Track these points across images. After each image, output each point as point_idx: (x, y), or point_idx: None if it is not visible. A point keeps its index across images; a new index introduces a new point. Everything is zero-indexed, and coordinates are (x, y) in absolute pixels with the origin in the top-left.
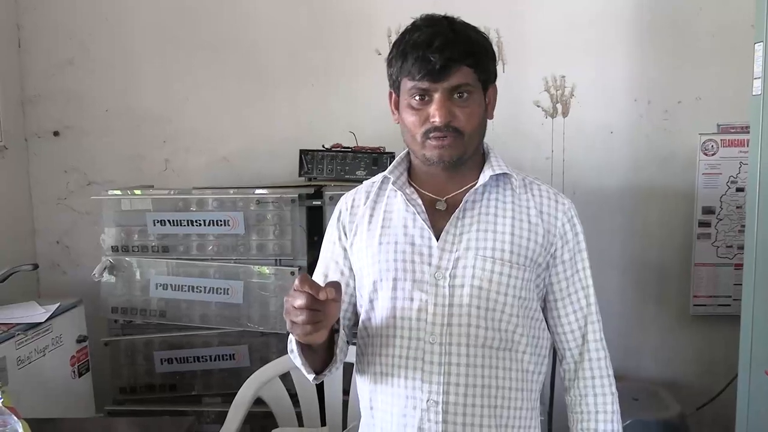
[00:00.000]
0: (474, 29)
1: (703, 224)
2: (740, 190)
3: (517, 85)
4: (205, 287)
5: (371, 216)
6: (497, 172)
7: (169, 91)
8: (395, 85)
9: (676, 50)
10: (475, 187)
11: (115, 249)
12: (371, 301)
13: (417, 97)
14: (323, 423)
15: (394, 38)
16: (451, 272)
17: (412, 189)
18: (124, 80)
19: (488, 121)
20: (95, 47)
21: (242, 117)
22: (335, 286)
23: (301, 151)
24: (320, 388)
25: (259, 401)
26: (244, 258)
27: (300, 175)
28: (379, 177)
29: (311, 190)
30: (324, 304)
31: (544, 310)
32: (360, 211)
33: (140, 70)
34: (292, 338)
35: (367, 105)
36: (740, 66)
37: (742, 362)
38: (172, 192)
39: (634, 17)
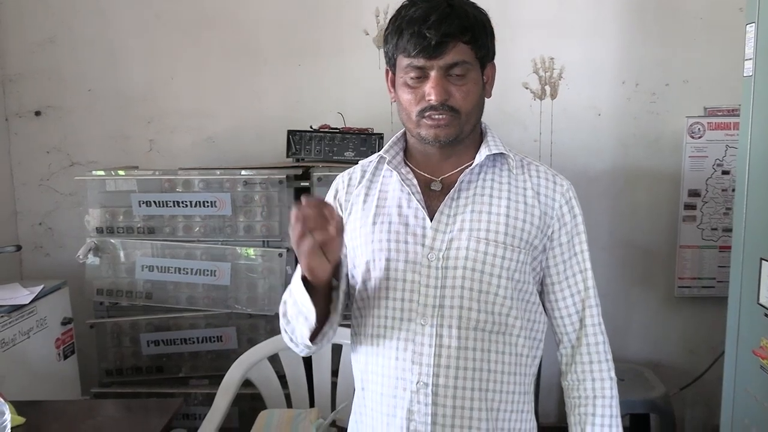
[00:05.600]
0: (472, 5)
1: (689, 207)
2: (726, 173)
3: (505, 66)
4: (191, 269)
5: (366, 195)
6: (494, 151)
7: (153, 70)
8: (391, 63)
9: (665, 33)
10: (471, 167)
11: (99, 230)
12: (364, 282)
13: (413, 75)
14: (312, 404)
15: (382, 18)
16: (444, 253)
17: (408, 169)
18: (108, 59)
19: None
20: (77, 24)
21: (228, 96)
22: (339, 218)
23: (289, 132)
24: (308, 369)
25: (247, 383)
26: (231, 239)
27: (288, 156)
28: (375, 156)
29: (299, 171)
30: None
31: (541, 293)
32: (356, 190)
33: (124, 48)
34: (286, 300)
35: (354, 85)
36: (727, 49)
37: (729, 341)
38: (157, 173)
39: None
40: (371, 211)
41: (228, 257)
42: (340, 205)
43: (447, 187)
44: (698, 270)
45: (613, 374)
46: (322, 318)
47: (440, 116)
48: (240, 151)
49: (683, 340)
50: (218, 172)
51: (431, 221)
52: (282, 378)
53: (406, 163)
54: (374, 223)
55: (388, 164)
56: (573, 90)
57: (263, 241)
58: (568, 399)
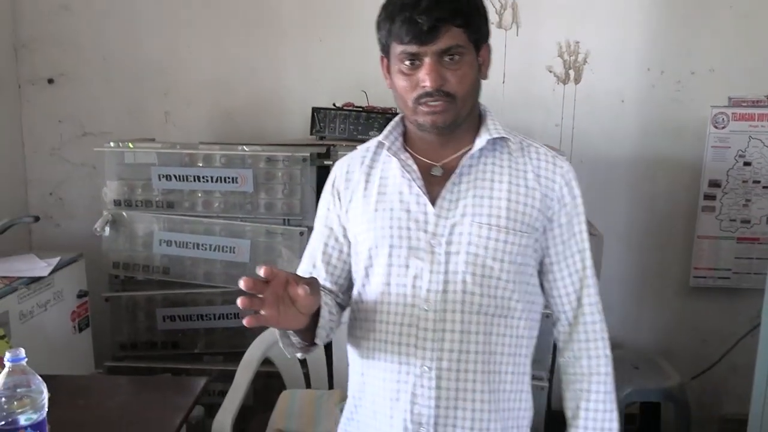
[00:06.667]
0: None
1: (709, 197)
2: (748, 164)
3: (530, 49)
4: (210, 245)
5: (367, 182)
6: (494, 135)
7: (170, 40)
8: (385, 50)
9: (693, 21)
10: (472, 151)
11: (117, 203)
12: (366, 269)
13: (407, 62)
14: (331, 384)
15: None
16: (447, 239)
17: (408, 154)
18: (124, 27)
19: (501, 85)
20: None
21: (247, 70)
22: (309, 282)
23: (314, 109)
24: (328, 350)
25: (264, 361)
26: (252, 216)
27: (311, 134)
28: (373, 142)
29: (323, 149)
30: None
31: (540, 273)
32: (355, 177)
33: (141, 16)
34: None
35: (375, 63)
36: (755, 39)
37: (765, 331)
38: (178, 146)
39: None
40: (372, 198)
41: (247, 234)
42: (338, 193)
43: (448, 172)
44: (715, 260)
45: (608, 352)
46: (311, 340)
47: (436, 102)
48: (258, 126)
49: (695, 330)
50: (240, 147)
51: (433, 207)
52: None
53: (405, 149)
54: (376, 210)
55: (387, 150)
56: (597, 75)
57: (284, 219)
58: (564, 375)
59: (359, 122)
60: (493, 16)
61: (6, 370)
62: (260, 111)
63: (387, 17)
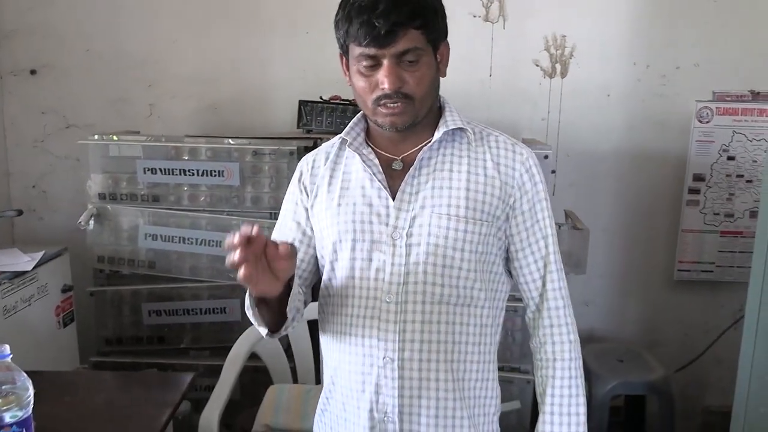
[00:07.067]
0: None
1: (693, 191)
2: (731, 158)
3: (516, 42)
4: (196, 239)
5: (331, 177)
6: (451, 127)
7: (156, 32)
8: (344, 49)
9: (677, 15)
10: (430, 143)
11: (102, 196)
12: (332, 263)
13: (365, 63)
14: (317, 379)
15: None
16: (407, 231)
17: (369, 149)
18: (108, 18)
19: (488, 78)
20: None
21: (233, 63)
22: (287, 244)
23: (301, 102)
24: (315, 344)
25: (251, 356)
26: (238, 210)
27: (298, 127)
28: (337, 139)
29: (310, 143)
30: (260, 253)
31: (507, 260)
32: (320, 172)
33: (125, 7)
34: (248, 293)
35: None
36: (739, 33)
37: (748, 327)
38: (163, 139)
39: None
40: (336, 193)
41: (234, 228)
42: (305, 188)
43: (408, 165)
44: (699, 254)
45: (573, 337)
46: (281, 318)
47: (395, 104)
48: (244, 119)
49: (680, 323)
50: (226, 140)
51: (393, 200)
52: (287, 351)
53: (367, 144)
54: (339, 205)
55: (349, 146)
56: (583, 69)
57: (271, 212)
58: (534, 361)
59: (346, 115)
60: (479, 9)
61: None
62: (246, 104)
63: (345, 18)
